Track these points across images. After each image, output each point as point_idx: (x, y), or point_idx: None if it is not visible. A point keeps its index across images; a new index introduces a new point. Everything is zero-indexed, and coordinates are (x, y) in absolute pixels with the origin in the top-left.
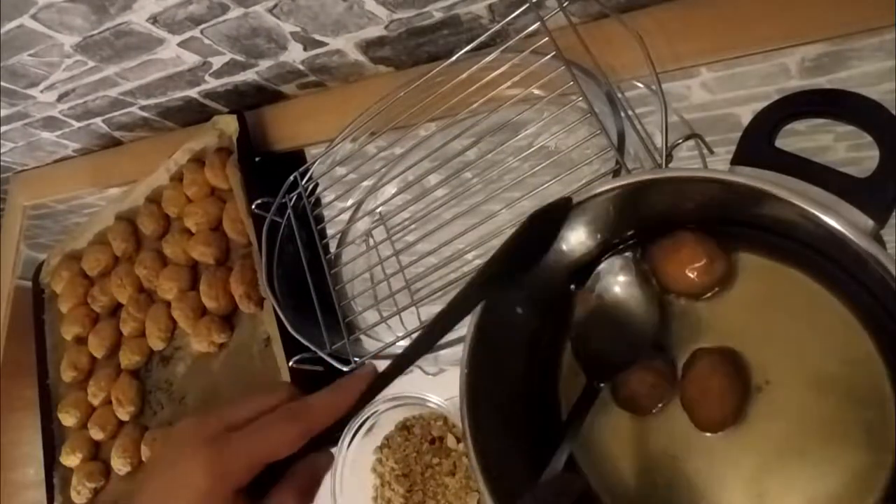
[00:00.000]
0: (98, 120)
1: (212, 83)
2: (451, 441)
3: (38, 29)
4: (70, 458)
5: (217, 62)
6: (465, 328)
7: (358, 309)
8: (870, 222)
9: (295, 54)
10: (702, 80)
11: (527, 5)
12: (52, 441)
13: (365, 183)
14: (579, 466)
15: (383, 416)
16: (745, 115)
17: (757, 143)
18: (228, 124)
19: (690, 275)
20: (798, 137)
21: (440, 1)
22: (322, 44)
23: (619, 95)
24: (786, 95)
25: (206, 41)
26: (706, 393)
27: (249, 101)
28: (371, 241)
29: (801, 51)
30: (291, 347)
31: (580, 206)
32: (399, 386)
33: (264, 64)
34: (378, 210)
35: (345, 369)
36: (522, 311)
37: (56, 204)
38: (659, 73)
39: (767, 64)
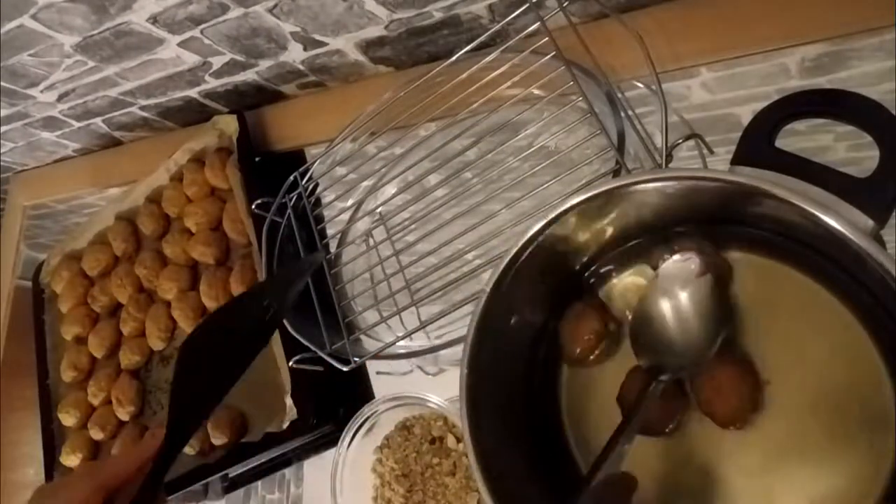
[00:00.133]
0: (98, 120)
1: (212, 83)
2: (451, 441)
3: (38, 29)
4: (70, 458)
5: (217, 62)
6: (465, 328)
7: (358, 309)
8: (870, 222)
9: (295, 54)
10: (702, 80)
11: (527, 5)
12: (52, 441)
13: (365, 183)
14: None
15: (383, 416)
16: (745, 115)
17: (757, 143)
18: (228, 124)
19: None
20: (798, 137)
21: (440, 1)
22: (322, 44)
23: (619, 95)
24: (786, 95)
25: (206, 41)
26: (719, 389)
27: (249, 101)
28: (371, 241)
29: (801, 51)
30: (291, 347)
31: (579, 207)
32: (399, 386)
33: (264, 64)
34: (378, 210)
35: (344, 369)
36: (523, 311)
37: (56, 204)
38: (659, 73)
39: (767, 64)
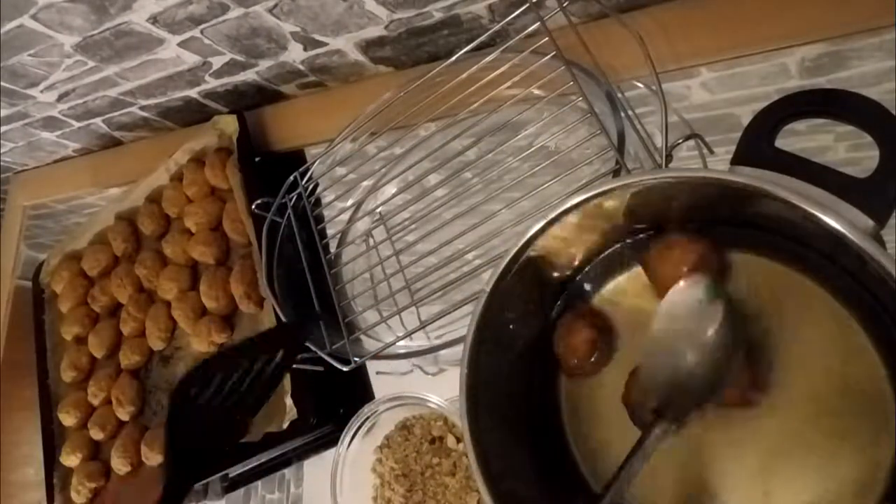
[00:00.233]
0: (98, 120)
1: (212, 83)
2: (451, 441)
3: (38, 29)
4: (70, 458)
5: (217, 62)
6: (465, 328)
7: (358, 309)
8: (870, 222)
9: (295, 54)
10: (702, 80)
11: (527, 5)
12: (52, 441)
13: (365, 183)
14: None
15: (383, 415)
16: (745, 115)
17: (757, 143)
18: (228, 124)
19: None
20: (798, 137)
21: (440, 1)
22: (322, 44)
23: (619, 95)
24: (786, 95)
25: (206, 41)
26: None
27: (249, 101)
28: (371, 241)
29: (801, 51)
30: None
31: (579, 207)
32: (399, 386)
33: (264, 64)
34: (378, 210)
35: (344, 369)
36: (523, 311)
37: (56, 204)
38: (659, 73)
39: (767, 64)
